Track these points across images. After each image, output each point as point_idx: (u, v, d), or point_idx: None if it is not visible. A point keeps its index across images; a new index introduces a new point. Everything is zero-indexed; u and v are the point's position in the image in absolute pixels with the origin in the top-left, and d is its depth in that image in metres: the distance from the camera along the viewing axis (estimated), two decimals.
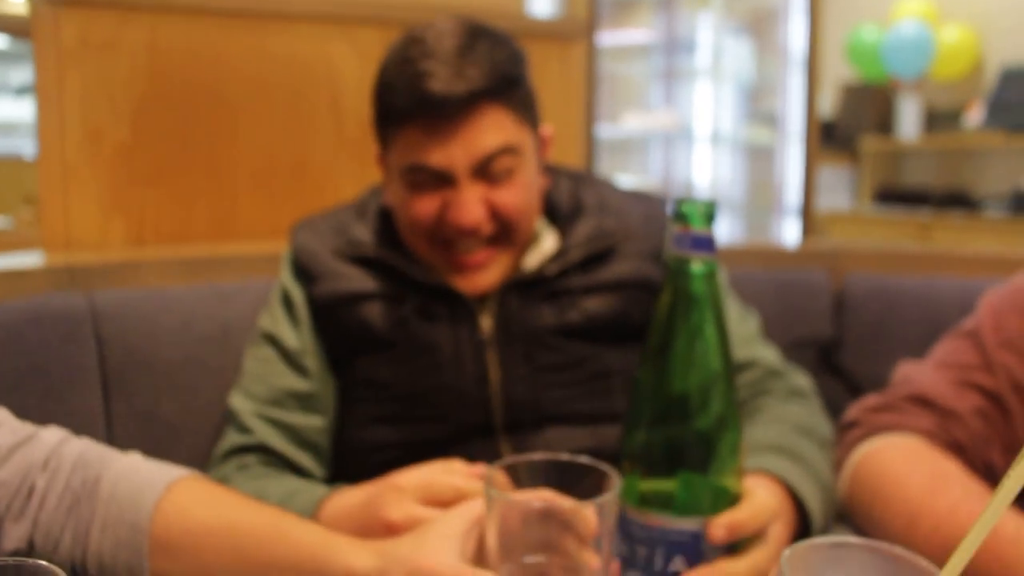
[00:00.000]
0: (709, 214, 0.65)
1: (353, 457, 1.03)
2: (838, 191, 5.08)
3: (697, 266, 0.66)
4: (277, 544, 0.67)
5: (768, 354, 1.09)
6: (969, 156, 4.73)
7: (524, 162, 1.01)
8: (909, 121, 4.79)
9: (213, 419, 1.13)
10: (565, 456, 0.64)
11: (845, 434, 0.96)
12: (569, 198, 1.11)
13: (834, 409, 1.07)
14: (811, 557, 0.46)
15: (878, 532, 0.85)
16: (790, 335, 1.31)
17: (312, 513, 0.85)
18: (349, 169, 1.50)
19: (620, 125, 4.62)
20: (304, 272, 1.07)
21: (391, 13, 1.49)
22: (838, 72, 5.03)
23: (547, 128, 1.08)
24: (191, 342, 1.13)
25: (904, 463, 0.86)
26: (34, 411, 0.99)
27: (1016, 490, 0.44)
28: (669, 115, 4.66)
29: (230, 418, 1.04)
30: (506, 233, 1.01)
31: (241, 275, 1.22)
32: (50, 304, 1.04)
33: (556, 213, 1.10)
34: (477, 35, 0.98)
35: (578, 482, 0.62)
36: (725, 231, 4.77)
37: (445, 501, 0.74)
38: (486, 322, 1.03)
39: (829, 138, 4.98)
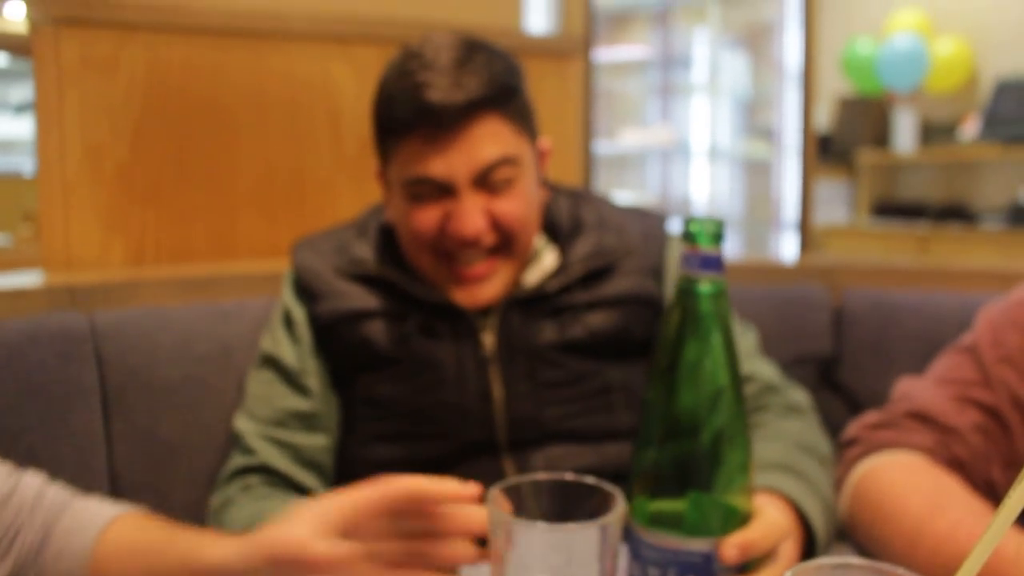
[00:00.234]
0: (717, 233, 0.65)
1: (356, 475, 1.02)
2: (835, 205, 5.09)
3: (705, 286, 0.65)
4: (166, 554, 0.72)
5: (766, 369, 1.09)
6: (966, 169, 4.75)
7: (524, 172, 1.01)
8: (905, 134, 4.81)
9: (213, 438, 1.13)
10: (569, 476, 0.64)
11: (845, 451, 0.96)
12: (568, 216, 1.11)
13: (834, 426, 1.06)
14: None
15: (880, 551, 0.84)
16: (789, 351, 1.31)
17: None
18: (348, 187, 1.50)
19: (617, 141, 4.64)
20: (306, 291, 1.07)
21: (389, 31, 1.50)
22: (834, 86, 5.05)
23: (545, 141, 1.08)
24: (191, 361, 1.13)
25: (904, 481, 0.86)
26: (34, 431, 0.99)
27: (1018, 510, 0.44)
28: (666, 130, 4.68)
29: (235, 440, 1.04)
30: (507, 244, 1.01)
31: (240, 294, 1.23)
32: (50, 323, 1.04)
33: (556, 230, 1.11)
34: (474, 48, 0.99)
35: (581, 502, 0.62)
36: (724, 246, 4.77)
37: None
38: (488, 339, 1.03)
39: (826, 152, 5.00)
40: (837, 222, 5.03)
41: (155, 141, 1.37)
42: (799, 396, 1.09)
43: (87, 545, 0.73)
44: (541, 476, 0.64)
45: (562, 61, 1.70)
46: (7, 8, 3.18)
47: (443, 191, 0.98)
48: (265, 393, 1.05)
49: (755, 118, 4.76)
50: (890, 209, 4.86)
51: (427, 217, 0.99)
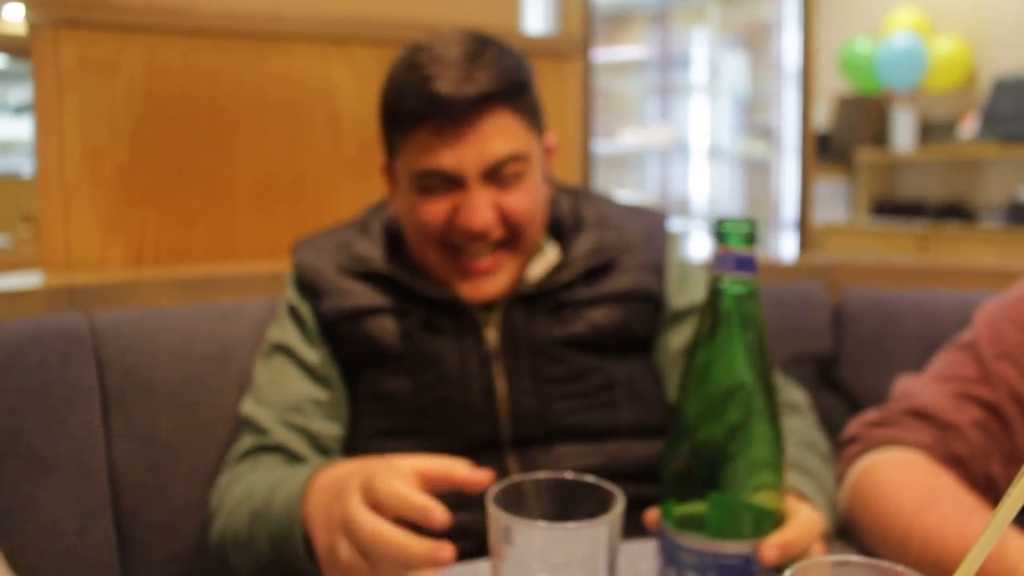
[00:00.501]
0: (750, 234, 0.64)
1: None
2: (834, 203, 5.09)
3: (736, 286, 0.64)
4: None
5: None
6: (965, 167, 4.75)
7: (532, 168, 1.02)
8: (904, 133, 4.81)
9: (213, 438, 1.13)
10: (569, 475, 0.64)
11: (845, 449, 0.96)
12: (570, 213, 1.12)
13: (834, 424, 1.06)
14: None
15: (876, 548, 0.85)
16: (789, 350, 1.32)
17: (307, 478, 0.83)
18: (347, 188, 1.50)
19: (616, 141, 4.63)
20: (309, 289, 1.07)
21: (388, 32, 1.50)
22: (833, 84, 5.05)
23: (551, 137, 1.09)
24: (190, 362, 1.13)
25: (898, 478, 0.86)
26: (34, 431, 0.99)
27: (1017, 507, 0.44)
28: (665, 130, 4.68)
29: (244, 424, 1.03)
30: (514, 238, 1.02)
31: (240, 295, 1.23)
32: (50, 324, 1.04)
33: (558, 227, 1.11)
34: (484, 43, 0.99)
35: (581, 502, 0.62)
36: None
37: (436, 481, 0.73)
38: (491, 335, 1.03)
39: (825, 151, 5.00)
40: (836, 221, 5.03)
41: (154, 142, 1.37)
42: (796, 395, 1.09)
43: None
44: (541, 475, 0.64)
45: (561, 61, 1.70)
46: (6, 10, 3.18)
47: (452, 184, 0.98)
48: (278, 380, 1.04)
49: (754, 117, 4.76)
50: (889, 208, 4.87)
51: (435, 210, 0.99)
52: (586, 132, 2.64)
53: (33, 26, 1.29)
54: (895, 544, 0.81)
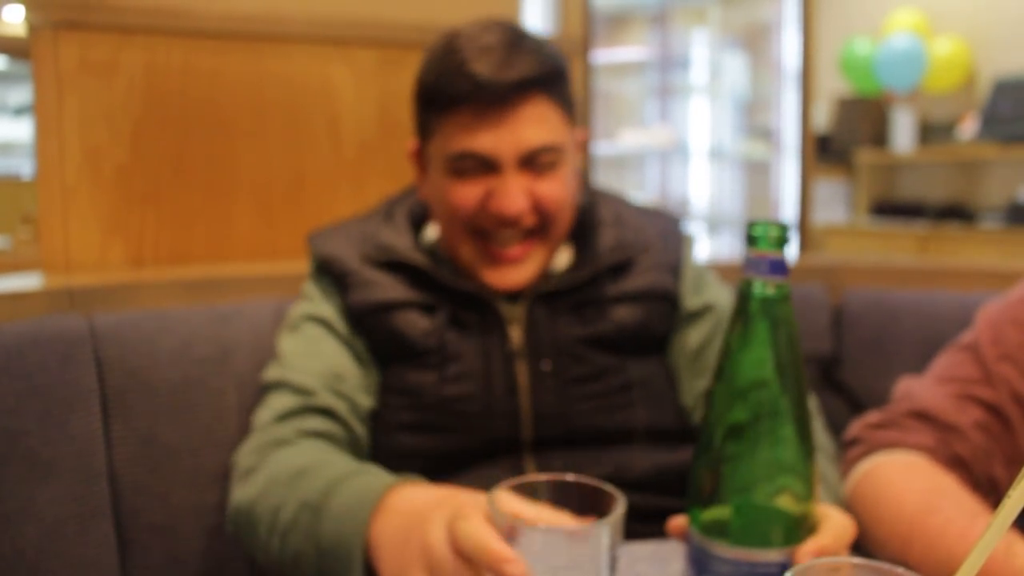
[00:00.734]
0: (781, 237, 0.63)
1: (377, 462, 1.02)
2: (834, 204, 5.09)
3: (767, 289, 0.63)
4: None
5: None
6: (964, 168, 4.75)
7: (566, 158, 1.02)
8: (904, 134, 4.81)
9: (212, 439, 1.13)
10: (570, 476, 0.64)
11: (847, 451, 0.96)
12: (586, 211, 1.12)
13: (835, 426, 1.06)
14: None
15: (878, 551, 0.85)
16: None
17: (380, 493, 0.78)
18: (347, 189, 1.50)
19: (616, 142, 4.63)
20: (335, 279, 1.06)
21: (387, 34, 1.50)
22: (832, 85, 5.05)
23: (582, 131, 1.09)
24: (190, 363, 1.13)
25: (901, 481, 0.86)
26: (34, 433, 0.99)
27: (1018, 509, 0.44)
28: (665, 131, 4.68)
29: (275, 388, 1.00)
30: (544, 227, 1.02)
31: (240, 296, 1.23)
32: (50, 326, 1.04)
33: (575, 225, 1.10)
34: (521, 33, 0.99)
35: (582, 502, 0.62)
36: (724, 246, 4.78)
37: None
38: (516, 332, 1.02)
39: (825, 151, 5.00)
40: (836, 222, 5.03)
41: (154, 144, 1.37)
42: None
43: None
44: (543, 476, 0.64)
45: None
46: (6, 11, 3.18)
47: (487, 168, 0.98)
48: (315, 348, 1.01)
49: (754, 118, 4.76)
50: (889, 209, 4.87)
51: (468, 193, 0.99)
52: (586, 133, 2.64)
53: (33, 27, 1.29)
54: (898, 547, 0.81)
